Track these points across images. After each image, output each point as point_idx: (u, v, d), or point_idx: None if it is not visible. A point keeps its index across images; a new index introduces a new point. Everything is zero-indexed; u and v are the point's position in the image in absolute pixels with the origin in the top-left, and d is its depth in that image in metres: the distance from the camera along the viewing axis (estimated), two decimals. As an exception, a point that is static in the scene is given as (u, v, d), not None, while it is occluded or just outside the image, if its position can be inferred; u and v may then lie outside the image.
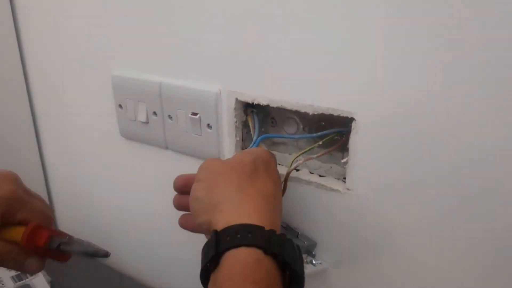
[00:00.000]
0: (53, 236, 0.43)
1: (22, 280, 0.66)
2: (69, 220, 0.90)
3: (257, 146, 0.50)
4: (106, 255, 0.44)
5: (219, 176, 0.40)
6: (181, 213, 0.47)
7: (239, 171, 0.40)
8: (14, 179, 0.43)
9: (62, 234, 0.44)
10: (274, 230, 0.35)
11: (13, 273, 0.67)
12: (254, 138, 0.50)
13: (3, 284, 0.65)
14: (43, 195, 0.88)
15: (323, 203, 0.49)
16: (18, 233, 0.41)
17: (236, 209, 0.37)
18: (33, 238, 0.41)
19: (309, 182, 0.49)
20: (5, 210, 0.41)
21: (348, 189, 0.46)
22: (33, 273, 0.44)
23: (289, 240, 0.35)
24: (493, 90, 0.35)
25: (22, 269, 0.43)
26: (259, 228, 0.34)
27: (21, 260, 0.42)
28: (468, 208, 0.40)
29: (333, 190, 0.47)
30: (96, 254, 0.44)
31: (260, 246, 0.33)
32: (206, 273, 0.34)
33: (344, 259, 0.50)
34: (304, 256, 0.46)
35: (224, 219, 0.36)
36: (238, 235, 0.34)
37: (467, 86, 0.36)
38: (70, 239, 0.44)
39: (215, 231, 0.35)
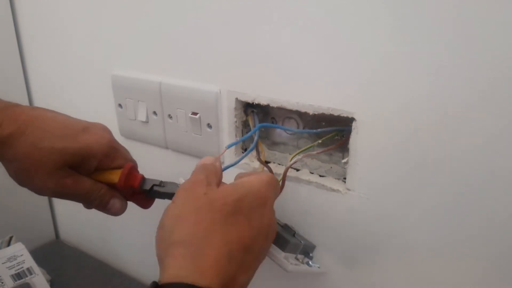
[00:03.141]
0: (146, 178, 0.45)
1: (22, 278, 0.66)
2: (69, 219, 0.90)
3: (257, 139, 0.49)
4: None
5: (193, 208, 0.34)
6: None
7: (216, 209, 0.34)
8: (109, 131, 0.47)
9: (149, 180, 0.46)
10: None
11: (12, 271, 0.67)
12: (252, 131, 0.49)
13: (2, 282, 0.65)
14: (43, 194, 0.88)
15: (323, 203, 0.49)
16: (112, 175, 0.44)
17: (191, 259, 0.31)
18: (129, 178, 0.44)
19: (309, 182, 0.49)
20: (104, 156, 0.44)
21: (348, 189, 0.46)
22: (115, 214, 0.46)
23: None
24: (494, 89, 0.35)
25: (105, 209, 0.45)
26: None
27: (107, 199, 0.45)
28: (468, 207, 0.40)
29: (333, 190, 0.47)
30: None
31: None
32: None
33: (344, 259, 0.50)
34: (300, 256, 0.46)
35: (172, 270, 0.31)
36: None
37: (467, 85, 0.36)
38: (162, 182, 0.46)
39: (155, 285, 0.30)
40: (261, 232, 0.35)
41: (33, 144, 0.41)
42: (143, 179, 0.46)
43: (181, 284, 0.30)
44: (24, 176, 0.42)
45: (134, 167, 0.46)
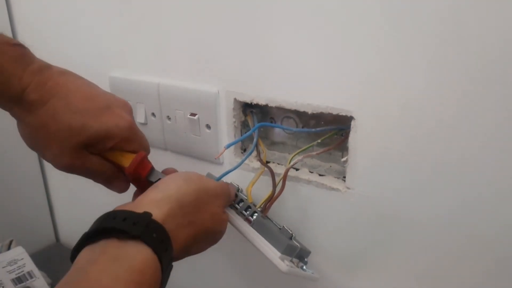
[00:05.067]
0: (154, 170, 0.45)
1: (23, 282, 0.66)
2: (68, 219, 0.90)
3: (256, 138, 0.49)
4: None
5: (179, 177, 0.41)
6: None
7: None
8: (131, 110, 0.46)
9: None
10: (149, 213, 0.34)
11: (13, 275, 0.66)
12: (251, 130, 0.49)
13: (3, 287, 0.65)
14: (42, 196, 0.88)
15: (323, 202, 0.49)
16: (124, 158, 0.44)
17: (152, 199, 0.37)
18: (139, 167, 0.44)
19: (309, 181, 0.49)
20: (122, 139, 0.43)
21: (348, 188, 0.46)
22: (118, 191, 0.47)
23: (159, 225, 0.34)
24: (494, 88, 0.35)
25: (110, 186, 0.46)
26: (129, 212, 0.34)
27: (112, 179, 0.45)
28: (469, 206, 0.40)
29: (333, 189, 0.47)
30: None
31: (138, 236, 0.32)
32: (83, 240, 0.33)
33: (344, 258, 0.50)
34: (295, 260, 0.46)
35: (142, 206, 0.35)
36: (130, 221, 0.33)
37: (467, 84, 0.36)
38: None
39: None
40: (214, 218, 0.41)
41: (53, 117, 0.40)
42: (152, 169, 0.45)
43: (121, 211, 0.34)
44: (35, 143, 0.42)
45: (145, 156, 0.45)
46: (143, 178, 0.45)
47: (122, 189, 0.46)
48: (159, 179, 0.44)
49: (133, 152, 0.44)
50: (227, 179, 0.50)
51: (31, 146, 0.43)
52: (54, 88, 0.41)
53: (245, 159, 0.50)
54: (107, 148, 0.43)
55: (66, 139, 0.40)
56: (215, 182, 0.44)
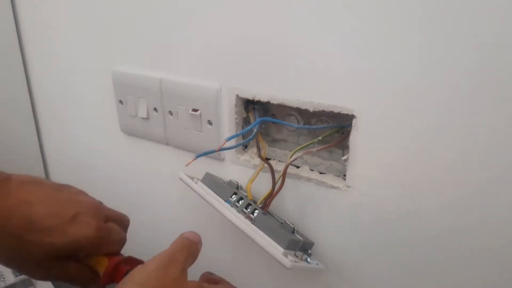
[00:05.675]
0: (129, 270, 0.43)
1: (23, 274, 0.66)
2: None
3: (256, 131, 0.49)
4: None
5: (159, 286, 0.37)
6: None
7: None
8: (99, 211, 0.45)
9: (135, 262, 0.45)
10: None
11: (14, 267, 0.67)
12: (252, 124, 0.49)
13: (3, 278, 0.66)
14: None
15: (323, 200, 0.49)
16: (99, 263, 0.44)
17: None
18: (112, 276, 0.43)
19: (309, 179, 0.49)
20: (92, 246, 0.43)
21: (348, 186, 0.46)
22: None
23: None
24: (494, 88, 0.35)
25: None
26: None
27: (90, 283, 0.44)
28: (469, 205, 0.40)
29: (333, 187, 0.47)
30: None
31: None
32: None
33: (344, 256, 0.50)
34: (299, 253, 0.46)
35: None
36: None
37: (470, 84, 0.36)
38: None
39: None
40: None
41: (20, 237, 0.40)
42: (127, 272, 0.43)
43: None
44: (11, 263, 0.42)
45: (119, 261, 0.44)
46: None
47: None
48: None
49: (108, 254, 0.44)
50: (225, 173, 0.50)
51: (7, 265, 0.42)
52: (16, 203, 0.40)
53: (244, 142, 0.51)
54: (80, 257, 0.43)
55: (37, 255, 0.40)
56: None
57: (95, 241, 0.43)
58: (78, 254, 0.43)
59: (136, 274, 0.37)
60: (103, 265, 0.44)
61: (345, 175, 0.47)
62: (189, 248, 0.41)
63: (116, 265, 0.43)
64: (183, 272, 0.38)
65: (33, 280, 0.66)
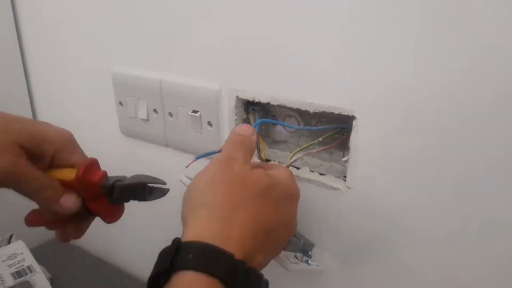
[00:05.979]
0: (109, 176, 0.41)
1: (22, 276, 0.66)
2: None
3: (256, 131, 0.48)
4: (164, 182, 0.42)
5: (226, 180, 0.35)
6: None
7: (248, 188, 0.35)
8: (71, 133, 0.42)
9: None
10: (244, 261, 0.31)
11: (13, 269, 0.66)
12: (253, 125, 0.49)
13: (3, 280, 0.65)
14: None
15: (324, 201, 0.49)
16: (69, 172, 0.39)
17: (217, 224, 0.32)
18: (88, 172, 0.39)
19: (309, 181, 0.49)
20: (62, 146, 0.40)
21: (348, 188, 0.46)
22: (68, 209, 0.40)
23: (258, 275, 0.32)
24: (495, 87, 0.35)
25: (57, 204, 0.39)
26: (229, 257, 0.30)
27: (58, 195, 0.39)
28: (470, 205, 0.40)
29: (333, 188, 0.47)
30: (155, 181, 0.41)
31: (223, 279, 0.29)
32: (155, 283, 0.30)
33: (345, 257, 0.50)
34: (299, 255, 0.46)
35: (197, 229, 0.32)
36: (202, 258, 0.29)
37: (471, 85, 0.36)
38: (124, 177, 0.41)
39: (178, 241, 0.31)
40: (283, 223, 0.36)
41: None
42: (105, 175, 0.40)
43: (207, 244, 0.30)
44: None
45: (95, 162, 0.41)
46: (97, 187, 0.40)
47: (72, 204, 0.40)
48: (116, 181, 0.40)
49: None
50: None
51: None
52: None
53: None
54: (48, 160, 0.40)
55: (3, 138, 0.37)
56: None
57: (65, 141, 0.40)
58: (47, 151, 0.39)
59: (200, 176, 0.36)
60: (74, 172, 0.39)
61: (345, 176, 0.47)
62: (243, 144, 0.39)
63: (92, 162, 0.40)
64: (245, 163, 0.37)
65: (32, 283, 0.66)
